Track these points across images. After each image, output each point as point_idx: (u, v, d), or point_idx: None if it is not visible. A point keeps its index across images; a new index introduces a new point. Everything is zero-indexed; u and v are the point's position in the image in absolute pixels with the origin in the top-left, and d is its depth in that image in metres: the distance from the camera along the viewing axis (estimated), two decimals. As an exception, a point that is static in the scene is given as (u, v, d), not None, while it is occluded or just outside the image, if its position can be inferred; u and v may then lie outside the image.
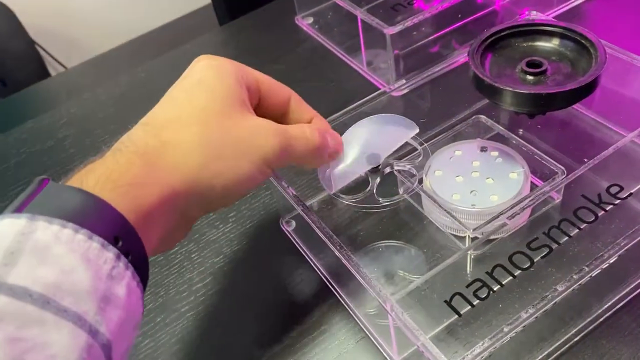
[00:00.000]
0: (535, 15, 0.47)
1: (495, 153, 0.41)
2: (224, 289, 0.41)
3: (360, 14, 0.52)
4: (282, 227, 0.43)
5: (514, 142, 0.42)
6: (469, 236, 0.36)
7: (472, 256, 0.35)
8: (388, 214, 0.41)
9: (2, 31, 1.06)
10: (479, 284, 0.31)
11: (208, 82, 0.30)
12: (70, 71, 0.86)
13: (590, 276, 0.30)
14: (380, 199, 0.38)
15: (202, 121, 0.28)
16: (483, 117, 0.45)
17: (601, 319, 0.34)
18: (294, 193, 0.36)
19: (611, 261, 0.31)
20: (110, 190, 0.25)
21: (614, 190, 0.35)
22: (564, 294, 0.29)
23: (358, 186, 0.38)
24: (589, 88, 0.35)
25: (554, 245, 0.33)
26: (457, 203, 0.38)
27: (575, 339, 0.34)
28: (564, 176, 0.38)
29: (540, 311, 0.29)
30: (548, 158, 0.39)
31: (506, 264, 0.32)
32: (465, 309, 0.31)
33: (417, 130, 0.37)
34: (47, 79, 0.89)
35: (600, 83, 0.36)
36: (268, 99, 0.33)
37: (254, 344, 0.37)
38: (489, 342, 0.28)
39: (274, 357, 0.36)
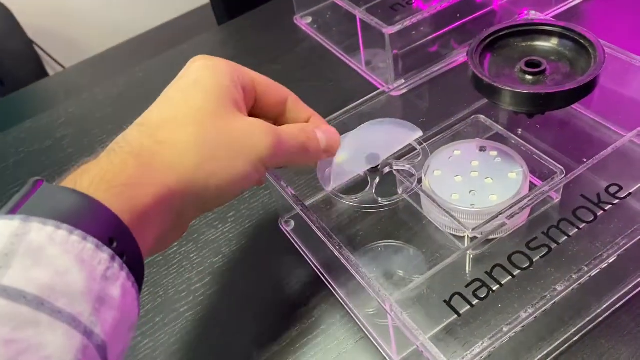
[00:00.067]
0: (534, 15, 0.47)
1: (494, 153, 0.41)
2: (222, 289, 0.41)
3: (359, 13, 0.52)
4: (281, 227, 0.43)
5: (513, 141, 0.42)
6: (468, 236, 0.36)
7: (472, 256, 0.35)
8: (387, 213, 0.41)
9: (0, 31, 1.06)
10: (478, 283, 0.31)
11: (203, 83, 0.30)
12: (69, 71, 0.86)
13: (590, 276, 0.30)
14: (380, 199, 0.38)
15: (197, 121, 0.28)
16: (482, 117, 0.45)
17: (600, 319, 0.34)
18: (293, 193, 0.36)
19: (610, 261, 0.31)
20: (105, 191, 0.24)
21: (613, 190, 0.35)
22: (563, 294, 0.30)
23: (357, 186, 0.38)
24: (587, 88, 0.35)
25: (553, 245, 0.33)
26: (456, 203, 0.38)
27: (575, 339, 0.34)
28: (563, 176, 0.38)
29: (540, 311, 0.29)
30: (547, 158, 0.39)
31: (505, 263, 0.32)
32: (464, 308, 0.31)
33: (420, 134, 0.37)
34: (45, 79, 0.89)
35: (599, 83, 0.36)
36: (265, 99, 0.33)
37: (253, 344, 0.37)
38: (488, 342, 0.28)
39: (273, 357, 0.36)
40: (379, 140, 0.38)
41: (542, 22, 0.40)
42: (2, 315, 0.20)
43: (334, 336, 0.36)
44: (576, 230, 0.33)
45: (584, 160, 0.35)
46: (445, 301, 0.31)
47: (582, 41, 0.38)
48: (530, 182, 0.39)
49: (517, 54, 0.39)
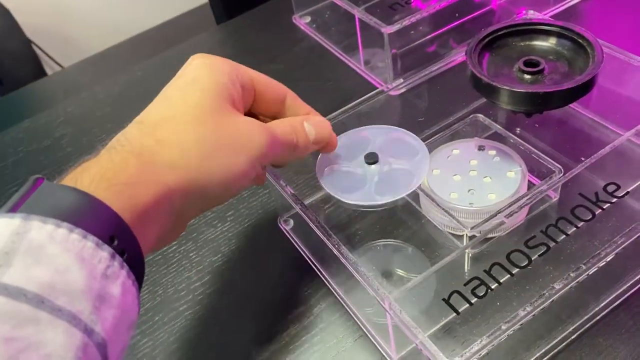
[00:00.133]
0: (532, 15, 0.47)
1: (493, 152, 0.41)
2: (222, 288, 0.41)
3: (358, 13, 0.52)
4: (280, 225, 0.43)
5: (512, 141, 0.42)
6: (466, 235, 0.36)
7: (470, 254, 0.35)
8: (386, 212, 0.41)
9: (-2, 30, 1.06)
10: (476, 282, 0.31)
11: (202, 81, 0.30)
12: (67, 70, 0.86)
13: (588, 274, 0.30)
14: (379, 198, 0.38)
15: (196, 120, 0.28)
16: (480, 116, 0.45)
17: (598, 317, 0.34)
18: (292, 192, 0.36)
19: (608, 259, 0.31)
20: (105, 189, 0.24)
21: (610, 188, 0.35)
22: (561, 292, 0.30)
23: (356, 185, 0.38)
24: (586, 87, 0.36)
25: (552, 244, 0.33)
26: (455, 202, 0.38)
27: (573, 337, 0.34)
28: (561, 175, 0.38)
29: (538, 309, 0.29)
30: (545, 157, 0.40)
31: (504, 262, 0.32)
32: (463, 307, 0.31)
33: (426, 150, 0.37)
34: (43, 78, 0.89)
35: (597, 82, 0.36)
36: (264, 96, 0.33)
37: (252, 343, 0.37)
38: (486, 340, 0.28)
39: (272, 356, 0.36)
40: (378, 140, 0.38)
41: (540, 21, 0.40)
42: (3, 313, 0.20)
43: (332, 334, 0.37)
44: (574, 228, 0.34)
45: (582, 159, 0.35)
46: (444, 299, 0.31)
47: (580, 41, 0.38)
48: (529, 181, 0.39)
49: (516, 54, 0.39)
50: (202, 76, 0.30)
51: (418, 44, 0.54)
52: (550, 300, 0.29)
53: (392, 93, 0.43)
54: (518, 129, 0.44)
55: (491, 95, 0.37)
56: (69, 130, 0.57)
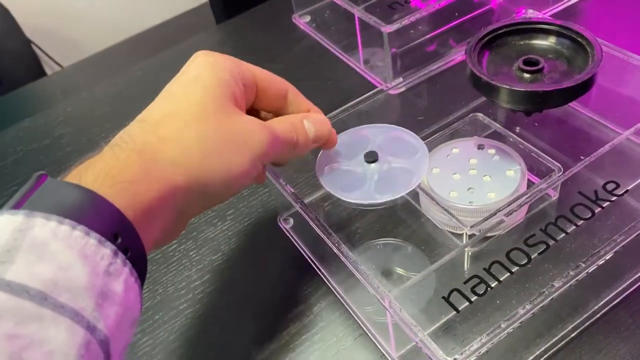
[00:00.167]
0: (531, 14, 0.47)
1: (493, 151, 0.41)
2: (222, 287, 0.41)
3: (358, 12, 0.52)
4: (280, 224, 0.43)
5: (511, 139, 0.42)
6: (466, 233, 0.36)
7: (470, 253, 0.35)
8: (386, 211, 0.41)
9: (-2, 30, 1.06)
10: (476, 280, 0.31)
11: (204, 79, 0.30)
12: (67, 70, 0.86)
13: (587, 272, 0.30)
14: (378, 196, 0.38)
15: (199, 117, 0.28)
16: (480, 115, 0.45)
17: (598, 315, 0.34)
18: (292, 190, 0.37)
19: (607, 257, 0.31)
20: (109, 187, 0.25)
21: (610, 187, 0.35)
22: (560, 290, 0.30)
23: (356, 184, 0.38)
24: (585, 86, 0.36)
25: (551, 242, 0.33)
26: (454, 200, 0.38)
27: (572, 335, 0.34)
28: (560, 173, 0.38)
29: (537, 307, 0.29)
30: (545, 155, 0.40)
31: (503, 260, 0.32)
32: (463, 305, 0.31)
33: (425, 149, 0.37)
34: (43, 78, 0.89)
35: (597, 81, 0.36)
36: (266, 93, 0.33)
37: (252, 341, 0.37)
38: (486, 338, 0.28)
39: (272, 354, 0.36)
40: (378, 139, 0.38)
41: (539, 20, 0.40)
42: (6, 310, 0.20)
43: (333, 333, 0.37)
44: (574, 227, 0.34)
45: (582, 157, 0.35)
46: (443, 298, 0.31)
47: (579, 39, 0.38)
48: (528, 179, 0.39)
49: (515, 53, 0.39)
50: (205, 74, 0.30)
51: (417, 43, 0.54)
52: (550, 298, 0.29)
53: (392, 92, 0.43)
54: (517, 127, 0.45)
55: (491, 94, 0.37)
56: (69, 129, 0.57)
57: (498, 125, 0.44)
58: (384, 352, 0.35)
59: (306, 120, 0.34)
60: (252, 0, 0.69)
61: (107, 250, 0.23)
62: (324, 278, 0.39)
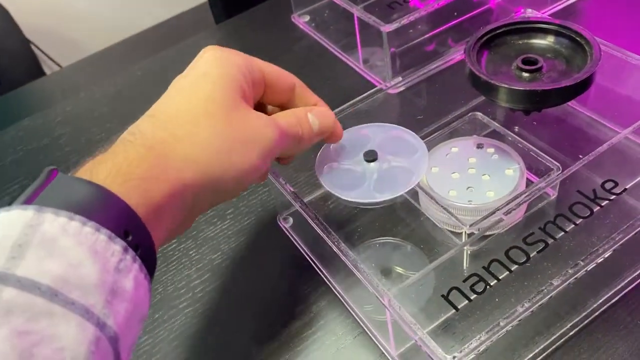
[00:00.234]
0: (530, 13, 0.47)
1: (492, 150, 0.41)
2: (221, 286, 0.41)
3: (357, 11, 0.52)
4: (279, 223, 0.43)
5: (510, 138, 0.42)
6: (465, 232, 0.36)
7: (469, 251, 0.35)
8: (385, 210, 0.41)
9: (-4, 30, 1.06)
10: (475, 278, 0.32)
11: (213, 74, 0.30)
12: (66, 70, 0.85)
13: (586, 270, 0.30)
14: (378, 195, 0.38)
15: (209, 114, 0.28)
16: (479, 114, 0.45)
17: (596, 313, 0.34)
18: (292, 190, 0.37)
19: (606, 255, 0.31)
20: (121, 184, 0.24)
21: (608, 185, 0.35)
22: (559, 288, 0.30)
23: (355, 182, 0.38)
24: (583, 85, 0.36)
25: (550, 240, 0.33)
26: (453, 199, 0.38)
27: (571, 333, 0.34)
28: (559, 172, 0.38)
29: (536, 305, 0.29)
30: (543, 154, 0.40)
31: (502, 258, 0.32)
32: (462, 303, 0.31)
33: (425, 148, 0.37)
34: (42, 78, 0.89)
35: (595, 80, 0.36)
36: (274, 87, 0.33)
37: (252, 340, 0.37)
38: (485, 336, 0.28)
39: (272, 353, 0.36)
40: (377, 139, 0.38)
41: (538, 20, 0.40)
42: (17, 306, 0.20)
43: (332, 332, 0.37)
44: (572, 225, 0.34)
45: (580, 156, 0.35)
46: (443, 296, 0.31)
47: (578, 39, 0.38)
48: (527, 178, 0.39)
49: (514, 52, 0.39)
50: (214, 69, 0.30)
51: (417, 42, 0.54)
52: (549, 296, 0.29)
53: (391, 91, 0.43)
54: (516, 127, 0.45)
55: (490, 93, 0.37)
56: (68, 129, 0.57)
57: (497, 125, 0.44)
58: (384, 351, 0.35)
59: (310, 113, 0.34)
60: (251, 0, 0.69)
61: (117, 246, 0.23)
62: (323, 277, 0.39)
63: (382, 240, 0.40)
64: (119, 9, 1.33)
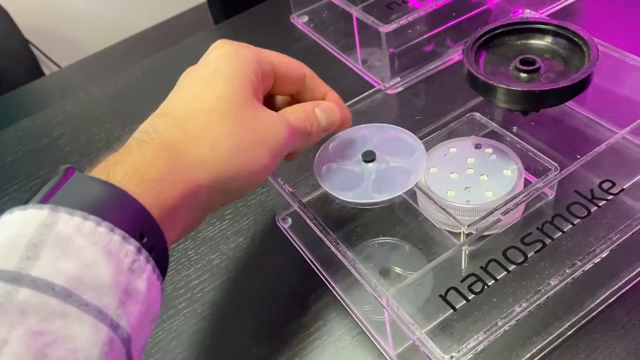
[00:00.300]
0: (528, 14, 0.47)
1: (490, 150, 0.41)
2: (220, 286, 0.41)
3: (356, 12, 0.52)
4: (278, 224, 0.44)
5: (508, 139, 0.42)
6: (463, 232, 0.36)
7: (467, 252, 0.35)
8: (383, 210, 0.41)
9: (-5, 30, 1.06)
10: (473, 278, 0.32)
11: (224, 72, 0.30)
12: (65, 70, 0.86)
13: (583, 270, 0.31)
14: (376, 196, 0.38)
15: (222, 114, 0.28)
16: (477, 115, 0.45)
17: (594, 313, 0.35)
18: (291, 190, 0.37)
19: (603, 255, 0.31)
20: (137, 185, 0.24)
21: (606, 186, 0.35)
22: (557, 288, 0.30)
23: (354, 183, 0.38)
24: (581, 85, 0.36)
25: (548, 241, 0.33)
26: (452, 200, 0.38)
27: (569, 333, 0.34)
28: (557, 172, 0.38)
29: (534, 305, 0.29)
30: (541, 155, 0.40)
31: (500, 259, 0.32)
32: (460, 303, 0.31)
33: (423, 149, 0.37)
34: (41, 78, 0.89)
35: (593, 80, 0.36)
36: (284, 78, 0.33)
37: (251, 340, 0.37)
38: (483, 336, 0.28)
39: (271, 353, 0.36)
40: (376, 138, 0.38)
41: (536, 20, 0.40)
42: (31, 306, 0.20)
43: (331, 332, 0.37)
44: (570, 225, 0.34)
45: (578, 157, 0.35)
46: (441, 296, 0.32)
47: (576, 39, 0.38)
48: (525, 178, 0.39)
49: (512, 52, 0.40)
50: (224, 66, 0.30)
51: (415, 43, 0.54)
52: (546, 296, 0.30)
53: (390, 92, 0.43)
54: (514, 127, 0.45)
55: (488, 94, 0.37)
56: (67, 129, 0.57)
57: (495, 125, 0.44)
58: (382, 351, 0.35)
59: (317, 108, 0.34)
60: (250, 0, 0.69)
61: (130, 247, 0.23)
62: (322, 277, 0.39)
63: (380, 241, 0.40)
64: (118, 9, 1.33)
